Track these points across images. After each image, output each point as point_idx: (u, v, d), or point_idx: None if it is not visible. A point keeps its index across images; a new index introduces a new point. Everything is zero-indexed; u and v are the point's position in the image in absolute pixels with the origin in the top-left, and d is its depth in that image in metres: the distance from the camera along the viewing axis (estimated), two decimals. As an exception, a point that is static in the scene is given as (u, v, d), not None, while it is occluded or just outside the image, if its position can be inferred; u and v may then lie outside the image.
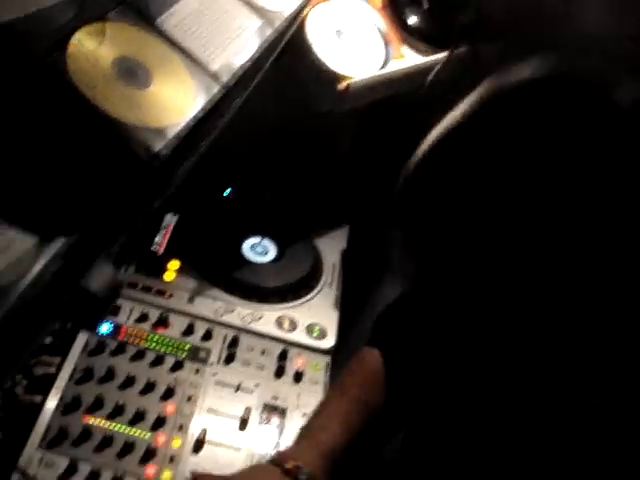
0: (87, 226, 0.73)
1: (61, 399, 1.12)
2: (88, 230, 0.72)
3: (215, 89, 0.91)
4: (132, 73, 0.84)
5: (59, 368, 1.16)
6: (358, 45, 1.29)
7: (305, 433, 1.04)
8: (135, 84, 0.83)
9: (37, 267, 0.68)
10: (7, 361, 0.65)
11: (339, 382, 1.09)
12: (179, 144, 0.82)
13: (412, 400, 1.07)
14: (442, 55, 1.37)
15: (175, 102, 0.86)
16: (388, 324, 1.11)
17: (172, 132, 0.82)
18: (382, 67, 1.29)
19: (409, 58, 1.34)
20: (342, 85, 1.20)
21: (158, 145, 0.80)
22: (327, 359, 1.31)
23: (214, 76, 0.91)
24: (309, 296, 1.41)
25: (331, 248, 1.53)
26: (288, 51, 1.12)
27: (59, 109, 0.76)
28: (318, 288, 1.43)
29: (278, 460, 0.98)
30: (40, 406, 1.11)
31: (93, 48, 0.82)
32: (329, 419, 1.03)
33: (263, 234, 1.48)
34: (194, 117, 0.86)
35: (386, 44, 1.34)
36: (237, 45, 0.98)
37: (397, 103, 1.64)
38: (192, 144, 0.87)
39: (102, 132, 0.76)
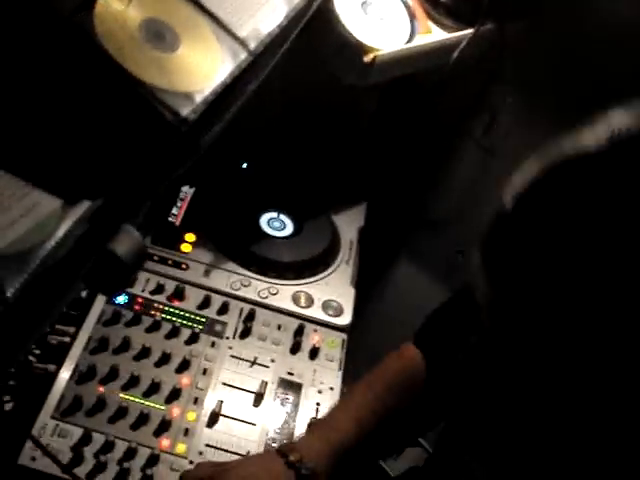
0: (112, 190, 0.71)
1: (75, 368, 1.11)
2: (113, 194, 0.70)
3: (243, 56, 0.88)
4: (160, 36, 0.81)
5: (74, 337, 1.15)
6: (384, 18, 1.26)
7: (318, 425, 1.03)
8: (162, 47, 0.81)
9: (61, 230, 0.66)
10: (30, 326, 0.63)
11: (368, 375, 1.06)
12: (206, 110, 0.80)
13: (450, 407, 1.04)
14: (468, 32, 1.34)
15: (202, 67, 0.83)
16: (438, 326, 1.06)
17: (200, 97, 0.80)
18: (408, 42, 1.27)
19: (435, 34, 1.32)
20: (368, 57, 1.17)
21: (185, 110, 0.78)
22: (343, 336, 1.30)
23: (242, 42, 0.89)
24: (326, 273, 1.39)
25: (348, 225, 1.51)
26: (314, 21, 1.09)
27: (86, 70, 0.73)
28: (335, 265, 1.41)
29: (284, 450, 0.97)
30: (54, 375, 1.10)
31: (121, 9, 0.79)
32: (344, 415, 1.02)
33: (280, 209, 1.46)
34: (222, 83, 0.83)
35: (412, 18, 1.31)
36: (265, 12, 0.95)
37: (418, 81, 1.62)
38: (219, 110, 0.84)
39: (130, 95, 0.74)
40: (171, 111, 0.76)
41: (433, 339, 1.03)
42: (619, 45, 1.23)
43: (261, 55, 0.91)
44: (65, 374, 1.10)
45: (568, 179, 0.55)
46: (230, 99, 0.86)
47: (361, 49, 1.18)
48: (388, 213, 1.67)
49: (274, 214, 1.45)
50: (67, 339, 1.16)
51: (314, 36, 1.18)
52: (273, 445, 1.12)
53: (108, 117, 0.73)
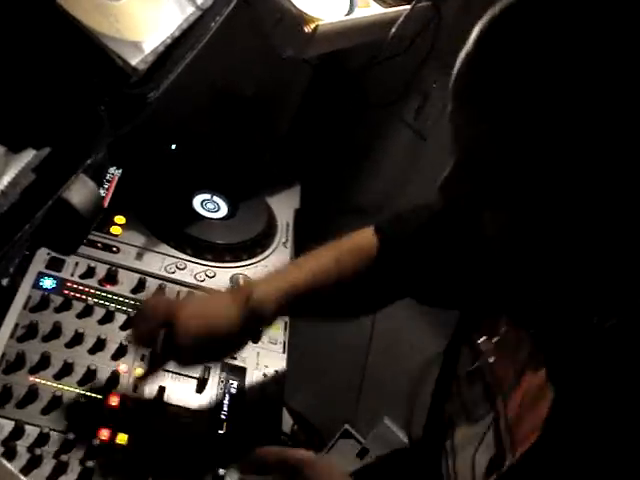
0: (60, 140, 0.64)
1: (2, 357, 1.02)
2: (61, 144, 0.64)
3: (190, 9, 0.83)
4: (102, -17, 0.75)
5: (-2, 325, 1.06)
6: (323, -11, 1.23)
7: (272, 270, 1.11)
8: (106, -6, 0.75)
9: (6, 179, 0.59)
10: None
11: (324, 245, 1.09)
12: (156, 62, 0.74)
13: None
14: (405, 7, 1.33)
15: (148, 17, 0.78)
16: (402, 220, 1.10)
17: (148, 47, 0.74)
18: (348, 14, 1.24)
19: (373, 7, 1.30)
20: (309, 27, 1.14)
21: (135, 59, 0.72)
22: (286, 318, 1.25)
23: (189, -5, 0.84)
24: (264, 255, 1.34)
25: (284, 206, 1.47)
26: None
27: (32, 17, 0.67)
28: (273, 247, 1.36)
29: (236, 286, 1.05)
30: (-22, 366, 1.01)
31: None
32: (299, 267, 1.06)
33: (214, 190, 1.40)
34: (171, 35, 0.78)
35: (351, -9, 1.28)
36: (211, -33, 0.90)
37: (346, 62, 1.60)
38: (168, 65, 0.79)
39: (78, 41, 0.67)
40: (121, 59, 0.70)
41: (394, 227, 1.09)
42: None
43: (209, 11, 0.86)
44: (-10, 364, 1.01)
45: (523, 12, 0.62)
46: (179, 54, 0.80)
47: (302, 19, 1.15)
48: (320, 196, 1.64)
49: (207, 195, 1.39)
50: (-10, 327, 1.06)
51: (254, 6, 1.14)
52: (219, 432, 1.06)
53: (55, 63, 0.66)
